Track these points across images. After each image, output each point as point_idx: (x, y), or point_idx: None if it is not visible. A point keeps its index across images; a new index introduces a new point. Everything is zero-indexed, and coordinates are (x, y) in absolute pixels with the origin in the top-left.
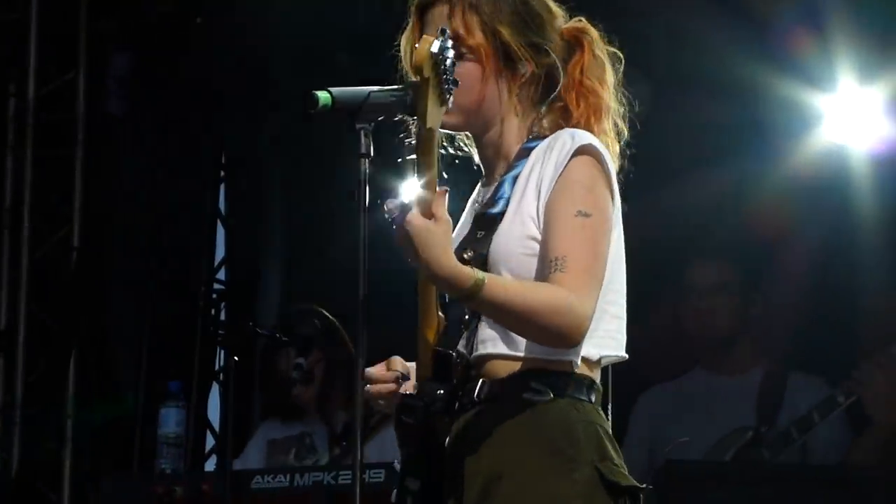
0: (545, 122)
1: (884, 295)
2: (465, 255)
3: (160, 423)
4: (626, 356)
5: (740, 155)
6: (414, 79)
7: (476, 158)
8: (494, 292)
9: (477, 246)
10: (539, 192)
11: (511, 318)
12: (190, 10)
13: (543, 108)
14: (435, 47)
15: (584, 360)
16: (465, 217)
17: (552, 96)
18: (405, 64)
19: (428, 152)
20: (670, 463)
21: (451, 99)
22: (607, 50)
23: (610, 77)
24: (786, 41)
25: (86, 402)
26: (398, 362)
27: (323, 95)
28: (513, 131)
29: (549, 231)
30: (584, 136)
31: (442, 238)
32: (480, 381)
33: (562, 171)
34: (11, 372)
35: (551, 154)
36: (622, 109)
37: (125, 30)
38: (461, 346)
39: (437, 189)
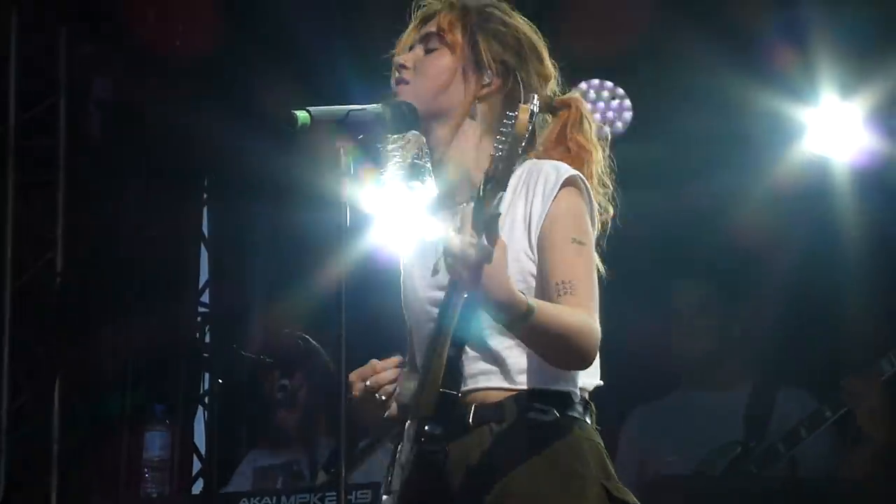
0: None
1: (867, 306)
2: None
3: (145, 446)
4: (602, 382)
5: (723, 168)
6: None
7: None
8: (543, 317)
9: None
10: (529, 226)
11: (553, 340)
12: (170, 34)
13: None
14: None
15: (583, 389)
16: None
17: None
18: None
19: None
20: (661, 478)
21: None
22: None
23: (595, 139)
24: (769, 55)
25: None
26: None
27: (302, 115)
28: (469, 146)
29: (549, 257)
30: (566, 168)
31: (501, 260)
32: (471, 406)
33: (551, 203)
34: None
35: (536, 188)
36: (607, 172)
37: (105, 55)
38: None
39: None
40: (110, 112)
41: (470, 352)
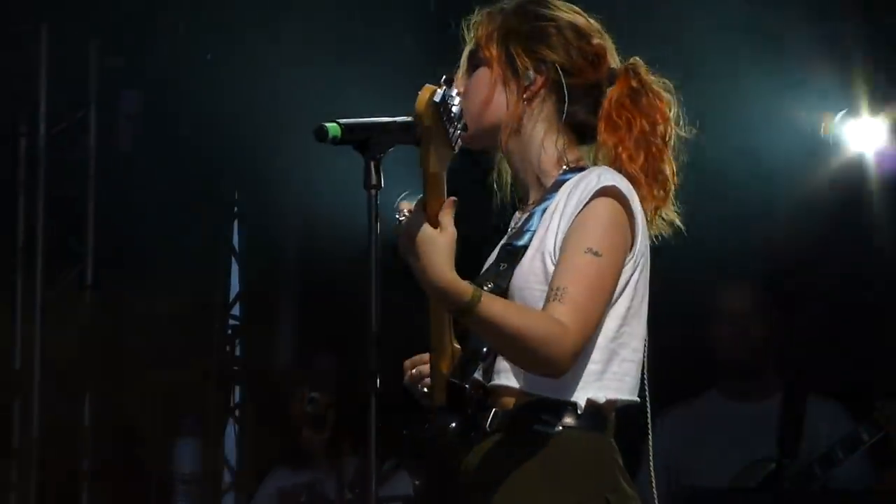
0: (579, 153)
1: None
2: (486, 287)
3: (175, 459)
4: (637, 399)
5: (762, 178)
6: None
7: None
8: (490, 311)
9: (498, 279)
10: (559, 227)
11: (501, 338)
12: (200, 46)
13: (575, 132)
14: (437, 97)
15: (591, 401)
16: (500, 241)
17: (564, 114)
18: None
19: (434, 195)
20: (694, 490)
21: (458, 142)
22: (662, 83)
23: (656, 112)
24: (804, 66)
25: None
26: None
27: (332, 127)
28: (537, 149)
29: (559, 262)
30: (609, 177)
31: (445, 247)
32: (493, 410)
33: (581, 209)
34: (28, 413)
35: (575, 192)
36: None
37: (135, 67)
38: (478, 375)
39: (446, 199)
40: (140, 124)
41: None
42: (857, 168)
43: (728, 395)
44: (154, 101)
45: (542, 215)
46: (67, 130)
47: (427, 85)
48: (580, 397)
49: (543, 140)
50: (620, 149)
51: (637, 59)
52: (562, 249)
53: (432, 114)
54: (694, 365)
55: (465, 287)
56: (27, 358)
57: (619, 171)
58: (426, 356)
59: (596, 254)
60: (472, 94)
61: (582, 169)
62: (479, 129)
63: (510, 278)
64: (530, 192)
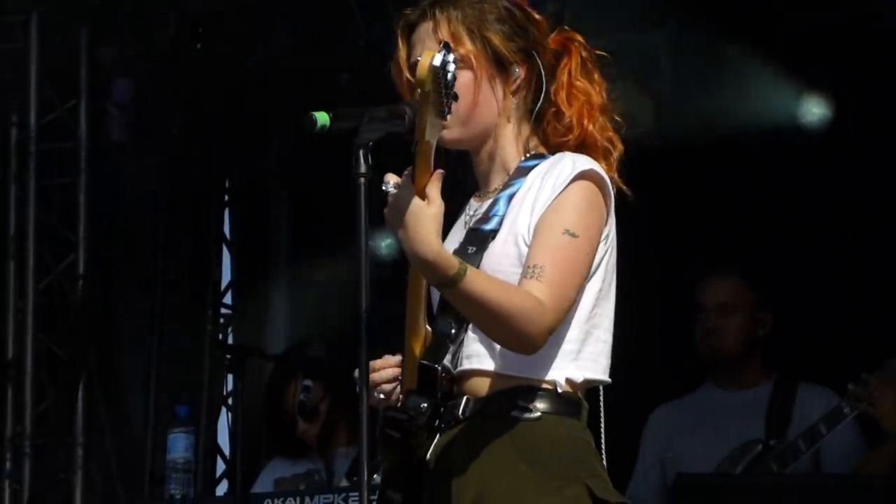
0: (540, 136)
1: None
2: None
3: (169, 448)
4: (609, 381)
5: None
6: (407, 100)
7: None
8: (474, 285)
9: (467, 261)
10: (532, 211)
11: (482, 313)
12: (190, 36)
13: (533, 120)
14: (437, 60)
15: (569, 381)
16: (456, 229)
17: (540, 102)
18: (400, 88)
19: (423, 168)
20: (681, 476)
21: (449, 113)
22: (595, 53)
23: (599, 77)
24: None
25: None
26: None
27: (321, 116)
28: (508, 140)
29: (534, 242)
30: (585, 162)
31: (432, 219)
32: (465, 397)
33: (559, 194)
34: (20, 401)
35: (549, 178)
36: (615, 107)
37: (126, 57)
38: (447, 361)
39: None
40: (130, 114)
41: (471, 332)
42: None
43: (718, 384)
44: (145, 90)
45: (508, 201)
46: (58, 120)
47: (428, 50)
48: (559, 376)
49: (513, 128)
50: (582, 119)
51: (569, 29)
52: (538, 230)
53: (433, 79)
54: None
55: (453, 260)
56: (20, 347)
57: (576, 143)
58: (384, 360)
59: (573, 235)
60: (460, 96)
61: (541, 155)
62: (470, 133)
63: (479, 261)
64: (492, 178)
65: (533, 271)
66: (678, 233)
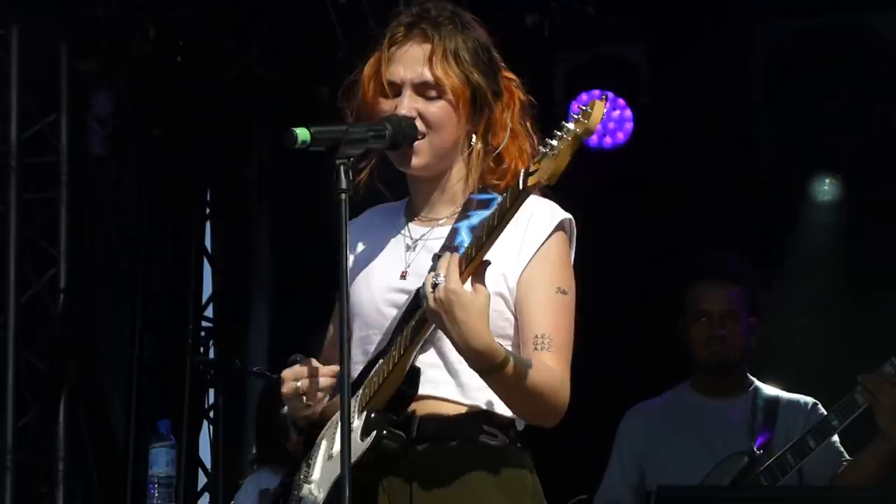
0: (487, 172)
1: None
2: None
3: (150, 462)
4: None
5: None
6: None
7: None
8: (514, 370)
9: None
10: (519, 255)
11: (519, 395)
12: (170, 49)
13: (479, 157)
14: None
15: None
16: (393, 246)
17: (489, 144)
18: (365, 92)
19: (481, 256)
20: (662, 489)
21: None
22: (530, 98)
23: (531, 124)
24: None
25: None
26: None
27: (301, 132)
28: (459, 173)
29: (532, 304)
30: (559, 210)
31: (483, 311)
32: (419, 418)
33: (543, 244)
34: (1, 416)
35: (531, 224)
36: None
37: (106, 71)
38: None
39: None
40: (111, 128)
41: (425, 358)
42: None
43: (700, 391)
44: (125, 103)
45: (468, 232)
46: (39, 134)
47: (598, 101)
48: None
49: (464, 163)
50: (523, 155)
51: (508, 70)
52: (531, 286)
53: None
54: (665, 360)
55: (500, 349)
56: (1, 361)
57: (510, 170)
58: (311, 366)
59: (564, 292)
60: (440, 129)
61: (489, 190)
62: (439, 164)
63: None
64: (437, 206)
65: (542, 342)
66: (661, 239)
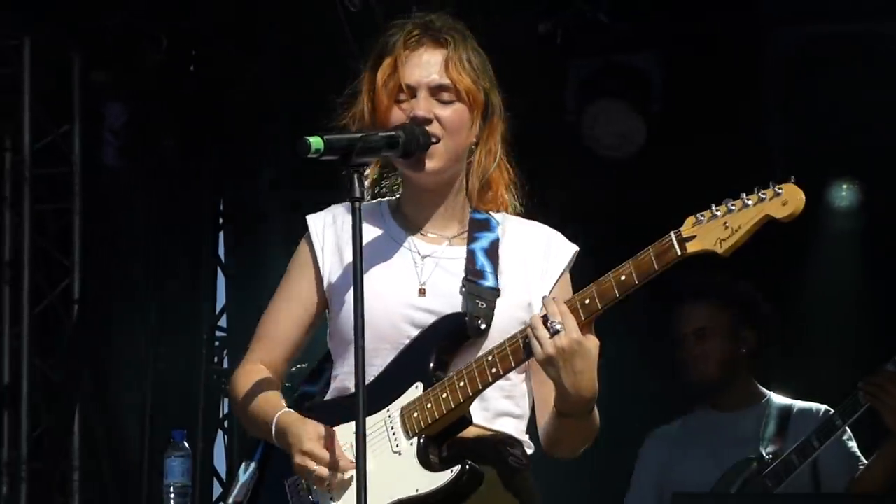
0: (479, 193)
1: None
2: (481, 326)
3: (166, 472)
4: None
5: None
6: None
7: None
8: (594, 411)
9: (478, 313)
10: (544, 282)
11: (589, 434)
12: (183, 59)
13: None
14: None
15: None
16: (402, 256)
17: (483, 166)
18: (380, 98)
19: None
20: (677, 496)
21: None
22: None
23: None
24: None
25: None
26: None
27: (315, 140)
28: (459, 188)
29: None
30: (571, 244)
31: (596, 361)
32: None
33: (563, 273)
34: (16, 427)
35: (549, 254)
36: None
37: (119, 81)
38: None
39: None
40: (124, 138)
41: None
42: None
43: (713, 406)
44: (138, 112)
45: (486, 255)
46: (52, 145)
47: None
48: (528, 443)
49: (462, 179)
50: (503, 195)
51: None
52: None
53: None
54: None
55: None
56: (15, 372)
57: (497, 194)
58: (329, 456)
59: None
60: (455, 132)
61: (486, 212)
62: (453, 167)
63: (492, 317)
64: (441, 222)
65: None
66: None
